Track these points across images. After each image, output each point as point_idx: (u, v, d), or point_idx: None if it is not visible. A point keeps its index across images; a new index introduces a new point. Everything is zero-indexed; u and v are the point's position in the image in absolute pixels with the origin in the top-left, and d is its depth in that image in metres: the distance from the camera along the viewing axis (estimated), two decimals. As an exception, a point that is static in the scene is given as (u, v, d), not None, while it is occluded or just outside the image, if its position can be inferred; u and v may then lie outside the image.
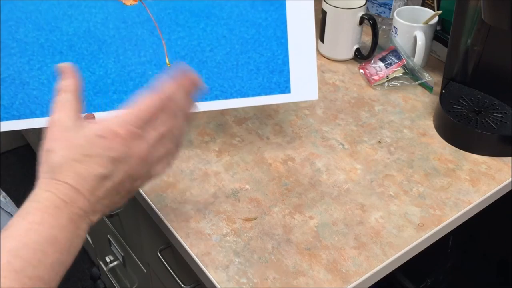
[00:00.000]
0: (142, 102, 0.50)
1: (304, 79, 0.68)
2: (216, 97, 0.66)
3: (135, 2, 0.63)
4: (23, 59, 0.63)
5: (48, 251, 0.43)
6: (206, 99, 0.65)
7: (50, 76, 0.64)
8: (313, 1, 0.65)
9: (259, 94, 0.67)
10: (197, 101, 0.60)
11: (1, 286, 0.39)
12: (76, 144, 0.48)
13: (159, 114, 0.50)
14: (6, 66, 0.63)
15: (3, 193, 0.74)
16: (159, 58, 0.64)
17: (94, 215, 0.49)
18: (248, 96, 0.67)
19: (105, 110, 0.65)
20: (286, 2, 0.65)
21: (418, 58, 0.99)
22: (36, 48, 0.63)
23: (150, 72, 0.64)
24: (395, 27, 1.01)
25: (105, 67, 0.64)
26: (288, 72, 0.67)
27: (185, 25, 0.64)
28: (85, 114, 0.60)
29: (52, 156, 0.48)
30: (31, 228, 0.43)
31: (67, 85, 0.51)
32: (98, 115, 0.65)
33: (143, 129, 0.49)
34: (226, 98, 0.66)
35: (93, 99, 0.65)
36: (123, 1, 0.63)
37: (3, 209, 0.73)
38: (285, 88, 0.68)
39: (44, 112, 0.64)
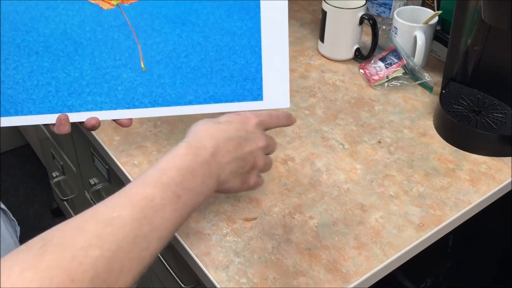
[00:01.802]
0: (270, 113, 0.63)
1: (277, 88, 0.70)
2: (190, 102, 0.68)
3: (112, 7, 0.64)
4: None
5: (187, 176, 0.52)
6: (180, 104, 0.67)
7: (25, 76, 0.65)
8: (287, 11, 0.67)
9: (232, 101, 0.69)
10: (170, 106, 0.67)
11: (151, 193, 0.48)
12: (219, 117, 0.60)
13: (273, 127, 0.63)
14: None
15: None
16: (135, 62, 0.65)
17: (223, 172, 0.56)
18: (221, 102, 0.69)
19: (78, 111, 0.66)
20: (261, 12, 0.66)
21: (418, 58, 0.99)
22: (12, 48, 0.64)
23: (125, 75, 0.66)
24: (395, 27, 1.01)
25: (81, 68, 0.65)
26: (261, 80, 0.69)
27: (161, 31, 0.65)
28: (59, 114, 0.65)
29: (199, 122, 0.58)
30: (177, 157, 0.53)
31: None
32: (71, 115, 0.66)
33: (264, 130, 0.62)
34: (199, 103, 0.68)
35: (67, 100, 0.66)
36: (100, 5, 0.64)
37: (2, 209, 0.73)
38: (257, 95, 0.69)
39: (18, 111, 0.65)
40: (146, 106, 0.67)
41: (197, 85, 0.67)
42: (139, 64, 0.66)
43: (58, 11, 0.63)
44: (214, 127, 0.57)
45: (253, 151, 0.59)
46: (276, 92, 0.70)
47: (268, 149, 0.62)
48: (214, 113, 0.61)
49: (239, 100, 0.69)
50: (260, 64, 0.68)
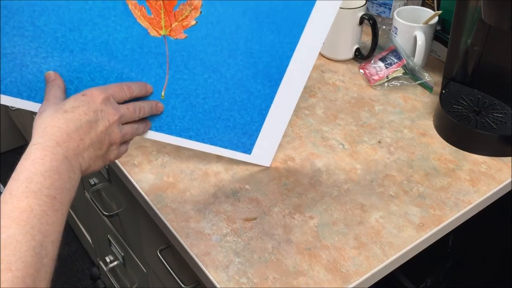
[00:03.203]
0: (120, 85, 0.64)
1: (266, 148, 0.78)
2: (190, 137, 0.74)
3: (158, 36, 0.67)
4: (33, 44, 0.65)
5: (54, 177, 0.52)
6: (181, 136, 0.73)
7: (51, 68, 0.66)
8: (303, 86, 0.73)
9: (225, 147, 0.76)
10: (172, 135, 0.72)
11: (27, 205, 0.49)
12: (64, 102, 0.59)
13: (127, 98, 0.64)
14: (13, 43, 0.64)
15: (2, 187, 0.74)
16: (157, 88, 0.69)
17: (83, 160, 0.57)
18: (215, 145, 0.75)
19: None
20: (281, 83, 0.72)
21: (418, 58, 0.99)
22: (50, 39, 0.65)
23: (144, 98, 0.69)
24: (395, 27, 1.01)
25: (106, 79, 0.68)
26: (256, 138, 0.76)
27: (192, 70, 0.69)
28: None
29: (44, 114, 0.58)
30: (36, 162, 0.53)
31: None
32: None
33: (116, 102, 0.62)
34: (197, 140, 0.74)
35: None
36: (149, 31, 0.66)
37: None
38: (248, 149, 0.77)
39: (31, 97, 0.67)
40: (151, 129, 0.71)
41: (202, 125, 0.73)
42: (161, 91, 0.70)
43: (108, 22, 0.65)
44: (61, 119, 0.57)
45: (106, 129, 0.60)
46: (264, 151, 0.78)
47: (124, 119, 0.63)
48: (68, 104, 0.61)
49: (231, 148, 0.76)
50: (261, 125, 0.75)
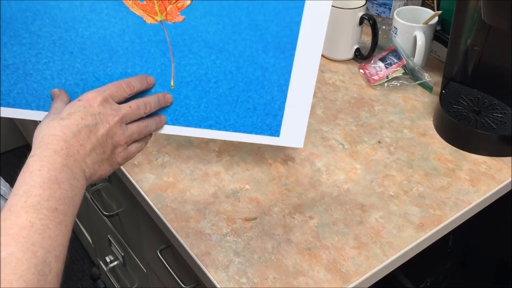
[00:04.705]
0: (118, 84, 0.61)
1: (295, 127, 0.71)
2: (210, 127, 0.69)
3: (155, 22, 0.64)
4: (32, 51, 0.64)
5: (53, 187, 0.51)
6: (200, 127, 0.69)
7: (54, 73, 0.65)
8: (320, 54, 0.68)
9: (250, 132, 0.70)
10: (190, 127, 0.68)
11: (27, 220, 0.47)
12: (61, 110, 0.58)
13: (127, 95, 0.61)
14: (13, 54, 0.64)
15: (3, 181, 0.74)
16: (165, 79, 0.66)
17: (86, 166, 0.56)
18: (239, 131, 0.70)
19: None
20: (296, 52, 0.67)
21: (418, 58, 0.99)
22: (48, 43, 0.64)
23: (153, 90, 0.66)
24: (395, 27, 1.01)
25: (111, 76, 0.66)
26: (282, 117, 0.70)
27: (197, 54, 0.66)
28: None
29: (41, 124, 0.57)
30: (34, 174, 0.51)
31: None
32: None
33: (116, 102, 0.60)
34: (219, 129, 0.69)
35: None
36: (144, 19, 0.64)
37: (3, 197, 0.73)
38: (275, 131, 0.71)
39: (40, 106, 0.66)
40: (167, 123, 0.67)
41: (220, 112, 0.69)
42: (169, 81, 0.66)
43: (101, 16, 0.63)
44: (57, 127, 0.55)
45: (107, 132, 0.57)
46: (294, 131, 0.71)
47: (128, 118, 0.60)
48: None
49: (256, 133, 0.70)
50: (284, 102, 0.69)
